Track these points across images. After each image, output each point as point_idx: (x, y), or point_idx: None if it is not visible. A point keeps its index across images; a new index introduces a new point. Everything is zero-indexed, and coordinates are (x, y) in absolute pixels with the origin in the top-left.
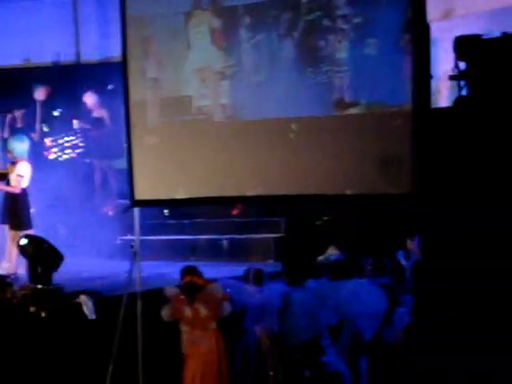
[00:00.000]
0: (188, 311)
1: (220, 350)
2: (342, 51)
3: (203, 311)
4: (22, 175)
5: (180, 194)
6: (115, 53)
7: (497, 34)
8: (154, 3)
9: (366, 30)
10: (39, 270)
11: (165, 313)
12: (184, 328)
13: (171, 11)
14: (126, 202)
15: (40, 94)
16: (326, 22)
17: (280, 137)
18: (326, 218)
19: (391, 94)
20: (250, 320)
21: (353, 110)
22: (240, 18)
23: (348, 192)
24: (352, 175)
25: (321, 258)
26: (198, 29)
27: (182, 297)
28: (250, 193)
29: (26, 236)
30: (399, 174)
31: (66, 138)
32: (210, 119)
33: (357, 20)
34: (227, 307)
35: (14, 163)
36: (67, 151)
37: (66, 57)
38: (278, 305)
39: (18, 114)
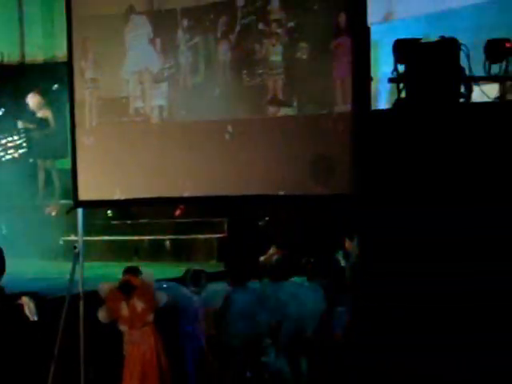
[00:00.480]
0: (125, 309)
1: (158, 347)
2: (276, 54)
3: (139, 305)
4: None
5: (118, 195)
6: (60, 53)
7: (435, 37)
8: (97, 4)
9: (297, 34)
10: None
11: (101, 314)
12: (122, 327)
13: (111, 13)
14: (70, 202)
15: None
16: (260, 26)
17: (216, 138)
18: (267, 219)
19: (321, 97)
20: (187, 322)
21: (285, 112)
22: (178, 21)
23: (281, 193)
24: (285, 176)
25: (262, 258)
26: (135, 31)
27: (118, 294)
28: (187, 194)
29: None
30: (331, 176)
31: (10, 138)
32: (147, 121)
33: (290, 24)
34: (162, 297)
35: None
36: (10, 151)
37: (11, 56)
38: (218, 306)
39: None
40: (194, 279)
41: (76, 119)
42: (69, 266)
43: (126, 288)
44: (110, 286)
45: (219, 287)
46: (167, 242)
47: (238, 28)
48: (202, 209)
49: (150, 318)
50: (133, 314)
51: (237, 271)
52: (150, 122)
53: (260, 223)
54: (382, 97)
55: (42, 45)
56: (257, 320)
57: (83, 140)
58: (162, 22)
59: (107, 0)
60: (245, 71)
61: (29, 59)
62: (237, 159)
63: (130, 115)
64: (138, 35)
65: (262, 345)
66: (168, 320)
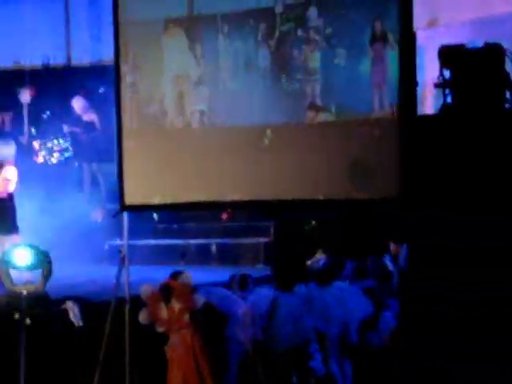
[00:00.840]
0: (164, 312)
1: (197, 350)
2: (314, 60)
3: (177, 306)
4: (8, 179)
5: (160, 200)
6: (107, 57)
7: (480, 43)
8: (142, 9)
9: (335, 41)
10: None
11: (142, 316)
12: (160, 329)
13: (151, 18)
14: (116, 206)
15: (25, 96)
16: (299, 33)
17: (255, 143)
18: (313, 222)
19: (359, 102)
20: (233, 326)
21: (324, 117)
22: (218, 27)
23: (320, 197)
24: (323, 180)
25: (309, 262)
26: (174, 37)
27: (158, 297)
28: (228, 198)
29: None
30: (370, 180)
31: (55, 142)
32: (187, 126)
33: (328, 31)
34: (200, 298)
35: (0, 166)
36: (56, 155)
37: (57, 60)
38: (265, 311)
39: (7, 116)
40: (241, 283)
41: (121, 123)
42: (114, 270)
43: (166, 290)
44: (151, 288)
45: (266, 291)
46: (213, 246)
47: (277, 34)
48: (249, 213)
49: (186, 318)
50: (171, 316)
51: (283, 275)
52: (191, 126)
53: (306, 227)
54: (428, 102)
55: (88, 48)
56: (303, 324)
57: (128, 144)
58: (202, 28)
59: (151, 5)
60: (284, 77)
61: (75, 62)
62: (276, 164)
63: (170, 120)
64: (178, 41)
65: (308, 349)
66: (213, 324)
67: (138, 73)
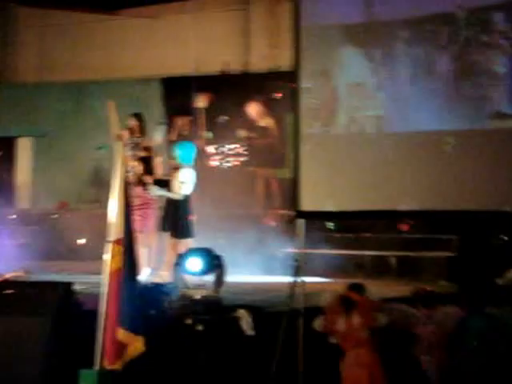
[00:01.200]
0: (342, 324)
1: (376, 371)
2: (500, 66)
3: (356, 321)
4: (184, 182)
5: (336, 207)
6: (284, 63)
7: None
8: (323, 16)
9: None
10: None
11: (318, 323)
12: (334, 340)
13: (329, 23)
14: (289, 212)
15: (203, 101)
16: (484, 38)
17: (434, 150)
18: (503, 237)
19: None
20: (419, 348)
21: (509, 124)
22: (396, 32)
23: (507, 208)
24: (508, 191)
25: (500, 280)
26: (352, 43)
27: (338, 308)
28: (403, 207)
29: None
30: None
31: (230, 146)
32: (362, 132)
33: None
34: (382, 318)
35: (177, 169)
36: (230, 159)
37: (235, 66)
38: (452, 332)
39: (185, 120)
40: (425, 300)
41: (299, 128)
42: (287, 278)
43: (347, 303)
44: (331, 296)
45: (452, 311)
46: (392, 259)
47: (460, 39)
48: (430, 224)
49: (365, 334)
50: (348, 329)
51: (471, 294)
52: (366, 132)
53: (494, 241)
54: None
55: (266, 55)
56: (497, 351)
57: (304, 149)
58: (380, 34)
59: (329, 12)
60: (466, 82)
61: (253, 69)
62: (456, 172)
63: (344, 126)
64: (354, 47)
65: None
66: (394, 344)
67: (315, 78)
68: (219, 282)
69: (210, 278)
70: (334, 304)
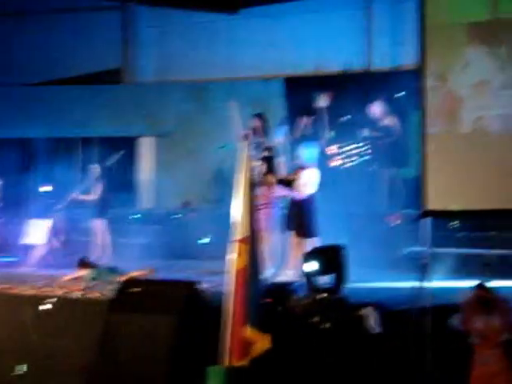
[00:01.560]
0: (480, 323)
1: (507, 374)
2: None
3: (497, 321)
4: (308, 182)
5: (461, 206)
6: (407, 61)
7: None
8: (447, 14)
9: None
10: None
11: (455, 321)
12: (474, 340)
13: (455, 22)
14: (413, 212)
15: (323, 100)
16: None
17: None
18: None
19: None
20: None
21: None
22: None
23: None
24: None
25: None
26: (477, 41)
27: (476, 307)
28: None
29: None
30: None
31: (352, 146)
32: (486, 132)
33: None
34: None
35: (301, 169)
36: (353, 159)
37: (356, 65)
38: None
39: (307, 120)
40: None
41: (425, 128)
42: (412, 277)
43: (486, 302)
44: (465, 295)
45: None
46: None
47: None
48: None
49: (504, 337)
50: (488, 329)
51: None
52: (491, 131)
53: None
54: None
55: (389, 53)
56: None
57: (430, 149)
58: (506, 32)
59: (454, 10)
60: None
61: (375, 68)
62: None
63: (469, 125)
64: (480, 45)
65: None
66: None
67: (440, 77)
68: (342, 280)
69: (333, 277)
70: (472, 302)
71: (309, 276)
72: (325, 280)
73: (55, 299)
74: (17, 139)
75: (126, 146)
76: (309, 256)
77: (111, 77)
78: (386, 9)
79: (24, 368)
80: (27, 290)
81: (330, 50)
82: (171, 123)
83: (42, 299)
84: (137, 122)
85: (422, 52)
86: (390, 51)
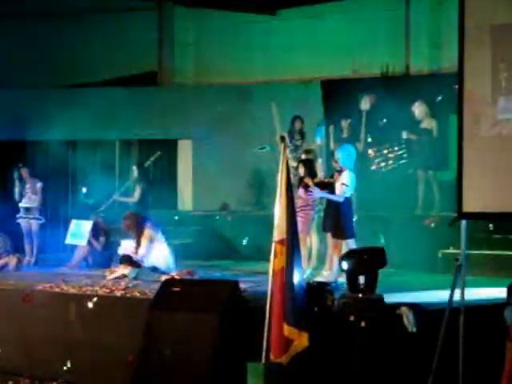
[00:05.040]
0: None
1: None
2: None
3: None
4: (346, 184)
5: (498, 208)
6: (446, 64)
7: None
8: (491, 14)
9: None
10: (361, 279)
11: (508, 313)
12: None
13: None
14: (449, 214)
15: (365, 104)
16: None
17: None
18: None
19: None
20: None
21: None
22: None
23: None
24: None
25: None
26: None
27: None
28: None
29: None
30: None
31: (390, 149)
32: None
33: None
34: None
35: (339, 172)
36: (390, 161)
37: (395, 68)
38: None
39: (345, 123)
40: None
41: (464, 131)
42: (447, 278)
43: None
44: None
45: None
46: None
47: None
48: None
49: None
50: None
51: None
52: None
53: None
54: None
55: (427, 56)
56: None
57: (469, 151)
58: None
59: (495, 11)
60: None
61: (413, 70)
62: None
63: (505, 128)
64: None
65: None
66: None
67: (479, 79)
68: (378, 280)
69: (370, 277)
70: None
71: (346, 276)
72: (362, 280)
73: (97, 298)
74: (57, 141)
75: (167, 149)
76: (347, 256)
77: (148, 79)
78: (424, 11)
79: (68, 363)
80: (70, 289)
81: (368, 52)
82: (209, 125)
83: (84, 298)
84: (174, 124)
85: (461, 54)
86: (429, 54)
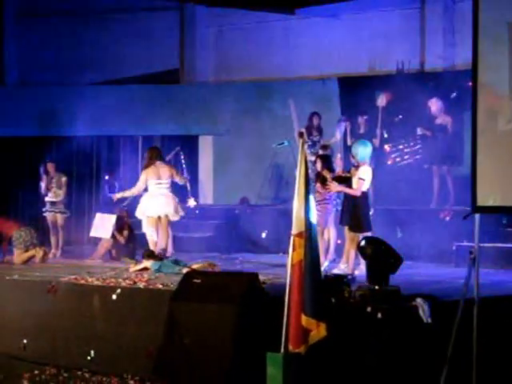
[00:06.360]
0: None
1: None
2: None
3: None
4: (363, 179)
5: (508, 202)
6: (460, 61)
7: None
8: (505, 12)
9: None
10: (377, 271)
11: None
12: None
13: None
14: (463, 208)
15: (382, 100)
16: None
17: None
18: None
19: None
20: None
21: None
22: None
23: None
24: None
25: None
26: None
27: None
28: None
29: (366, 238)
30: None
31: (406, 144)
32: None
33: None
34: None
35: (356, 167)
36: (406, 157)
37: (410, 65)
38: None
39: (361, 119)
40: None
41: (478, 126)
42: (461, 271)
43: None
44: None
45: None
46: None
47: None
48: None
49: None
50: None
51: None
52: None
53: None
54: None
55: (442, 54)
56: None
57: (483, 146)
58: None
59: (509, 9)
60: None
61: (428, 68)
62: None
63: None
64: None
65: None
66: None
67: (493, 76)
68: (395, 272)
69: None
70: None
71: (364, 268)
72: (377, 272)
73: (121, 289)
74: (82, 137)
75: (188, 145)
76: (363, 249)
77: (170, 77)
78: (439, 9)
79: (92, 353)
80: (94, 281)
81: (385, 50)
82: (229, 122)
83: (108, 289)
84: (195, 121)
85: (475, 51)
86: (443, 51)
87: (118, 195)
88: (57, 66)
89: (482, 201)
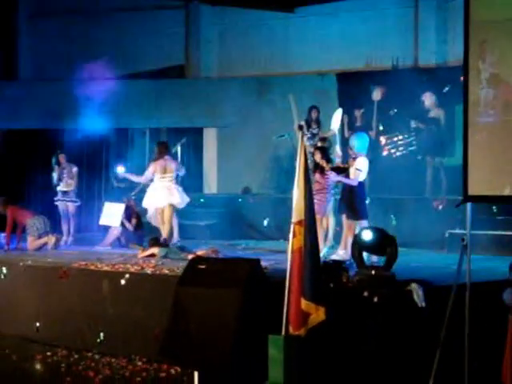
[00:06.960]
0: None
1: None
2: None
3: None
4: (359, 169)
5: (502, 191)
6: (452, 58)
7: None
8: (496, 9)
9: None
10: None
11: (506, 295)
12: None
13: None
14: (456, 197)
15: (377, 94)
16: None
17: None
18: None
19: None
20: None
21: None
22: None
23: None
24: None
25: None
26: None
27: None
28: None
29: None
30: None
31: (400, 136)
32: None
33: None
34: None
35: (354, 158)
36: (400, 148)
37: (405, 61)
38: None
39: (358, 113)
40: None
41: (469, 118)
42: (453, 257)
43: None
44: None
45: None
46: None
47: None
48: None
49: None
50: None
51: None
52: None
53: None
54: None
55: (435, 50)
56: None
57: (473, 138)
58: None
59: (506, 5)
60: None
61: (422, 64)
62: None
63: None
64: None
65: None
66: None
67: (495, 69)
68: (391, 258)
69: (382, 256)
70: None
71: (360, 254)
72: (374, 258)
73: (129, 275)
74: (91, 129)
75: (194, 137)
76: (359, 236)
77: (176, 72)
78: (432, 7)
79: (101, 336)
80: (103, 266)
81: (380, 46)
82: (232, 115)
83: (116, 274)
84: (200, 114)
85: (466, 47)
86: (436, 48)
87: (127, 174)
88: (69, 61)
89: (473, 190)
